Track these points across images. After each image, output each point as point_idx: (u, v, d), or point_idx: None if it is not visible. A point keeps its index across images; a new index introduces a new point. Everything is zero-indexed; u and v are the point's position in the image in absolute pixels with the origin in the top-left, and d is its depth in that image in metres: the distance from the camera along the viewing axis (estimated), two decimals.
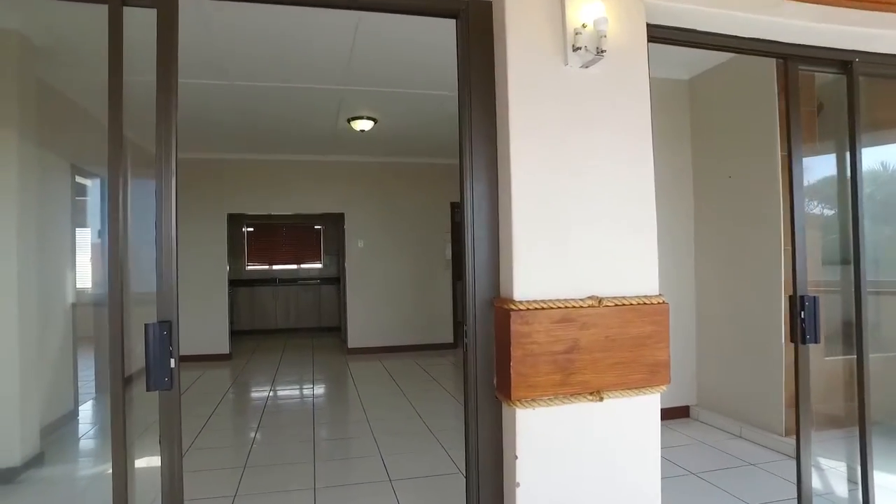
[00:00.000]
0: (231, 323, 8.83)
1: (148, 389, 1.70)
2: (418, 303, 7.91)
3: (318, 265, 10.77)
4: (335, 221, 10.42)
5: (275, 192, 7.51)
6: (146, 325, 1.69)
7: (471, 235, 1.99)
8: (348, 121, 5.77)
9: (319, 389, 5.87)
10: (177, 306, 1.76)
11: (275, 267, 10.63)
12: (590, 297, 1.91)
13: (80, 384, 4.69)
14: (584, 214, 1.94)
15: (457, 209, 8.09)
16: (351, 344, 7.69)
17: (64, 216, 4.45)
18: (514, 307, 1.83)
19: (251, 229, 10.52)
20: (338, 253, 10.43)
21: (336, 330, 10.17)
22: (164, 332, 1.71)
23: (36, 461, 3.46)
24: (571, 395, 1.88)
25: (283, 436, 4.24)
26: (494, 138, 2.00)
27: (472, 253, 1.99)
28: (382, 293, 7.78)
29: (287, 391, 5.79)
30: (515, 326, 1.81)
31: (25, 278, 3.42)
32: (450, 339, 8.01)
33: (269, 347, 8.53)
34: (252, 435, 4.31)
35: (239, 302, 9.87)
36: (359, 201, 7.75)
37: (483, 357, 1.98)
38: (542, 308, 1.85)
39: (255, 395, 5.64)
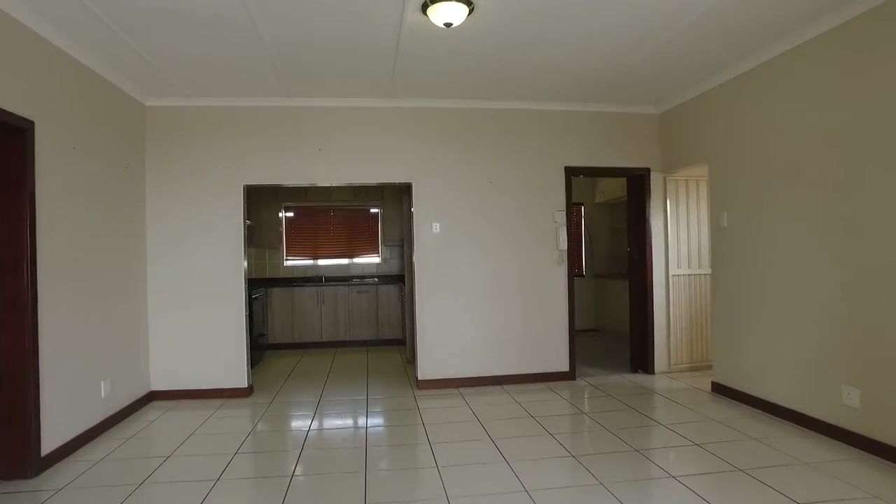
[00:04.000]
0: (259, 336, 6.61)
1: None
2: (518, 313, 5.40)
3: (376, 259, 8.44)
4: (397, 197, 8.03)
5: (311, 154, 5.16)
6: None
7: None
8: (423, 7, 3.32)
9: (375, 460, 3.46)
10: None
11: (320, 262, 8.38)
12: None
13: None
14: None
15: (575, 175, 5.50)
16: (423, 374, 5.26)
17: None
18: None
19: (290, 214, 8.30)
20: (402, 242, 8.05)
21: (398, 343, 7.80)
22: None
23: None
24: None
25: None
26: None
27: None
28: (466, 299, 5.32)
29: (322, 469, 3.41)
30: None
31: None
32: (564, 365, 5.46)
33: (308, 371, 6.23)
34: None
35: (273, 307, 7.66)
36: (433, 166, 5.31)
37: None
38: None
39: (267, 484, 3.28)
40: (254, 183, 5.12)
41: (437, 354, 5.28)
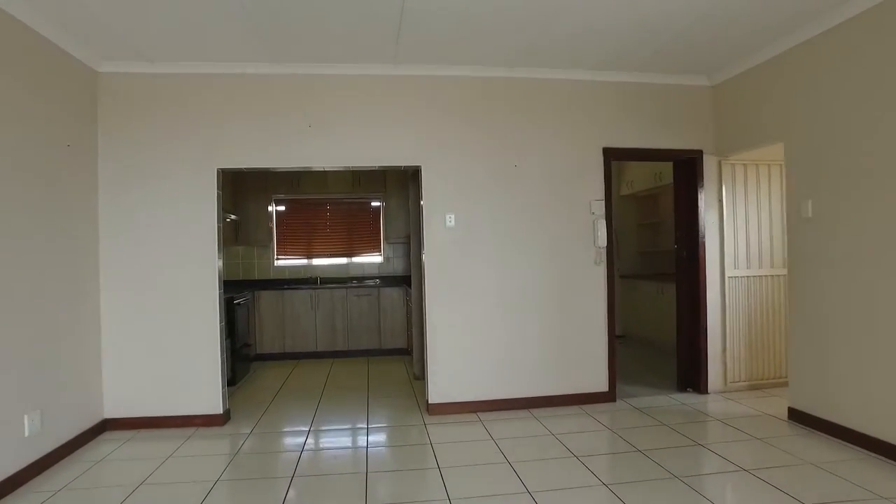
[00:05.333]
0: (244, 347, 5.73)
1: None
2: (548, 322, 4.52)
3: (377, 258, 7.56)
4: (401, 188, 7.15)
5: (300, 132, 4.28)
6: None
7: None
8: None
9: None
10: None
11: (315, 262, 7.49)
12: None
13: None
14: None
15: (616, 159, 4.62)
16: (434, 396, 4.38)
17: None
18: None
19: (281, 207, 7.42)
20: (407, 239, 7.17)
21: (403, 353, 6.93)
22: None
23: None
24: None
25: None
26: None
27: None
28: (485, 305, 4.44)
29: None
30: None
31: None
32: (602, 384, 4.58)
33: (299, 388, 5.35)
34: None
35: (262, 312, 6.78)
36: (446, 147, 4.42)
37: None
38: None
39: None
40: (230, 167, 4.24)
41: (451, 372, 4.39)
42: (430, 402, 4.37)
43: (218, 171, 4.21)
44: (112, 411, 4.07)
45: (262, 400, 4.92)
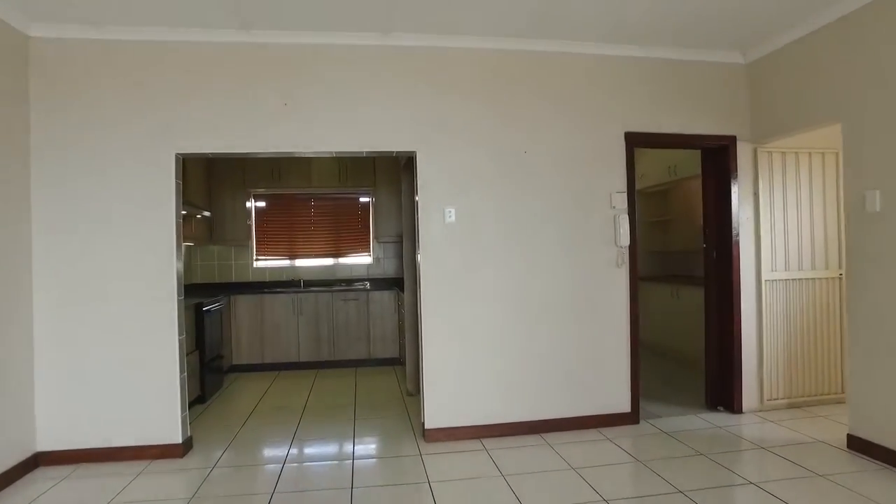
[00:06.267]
0: (216, 359, 5.07)
1: None
2: (563, 334, 3.92)
3: (367, 258, 6.92)
4: (392, 181, 6.52)
5: (274, 111, 3.64)
6: None
7: None
8: None
9: None
10: None
11: (298, 263, 6.84)
12: None
13: None
14: None
15: (639, 146, 4.03)
16: (432, 420, 3.76)
17: None
18: None
19: (261, 203, 6.76)
20: (399, 238, 6.54)
21: (394, 363, 6.30)
22: None
23: None
24: None
25: None
26: None
27: None
28: (490, 314, 3.83)
29: None
30: None
31: None
32: (624, 404, 3.99)
33: (276, 407, 4.71)
34: None
35: (239, 319, 6.13)
36: (445, 131, 3.80)
37: None
38: None
39: None
40: (192, 151, 3.59)
41: (450, 392, 3.78)
42: (426, 427, 3.75)
43: (177, 157, 3.57)
44: (46, 443, 3.41)
45: (232, 422, 4.27)
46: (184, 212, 4.96)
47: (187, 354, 4.43)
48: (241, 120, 3.60)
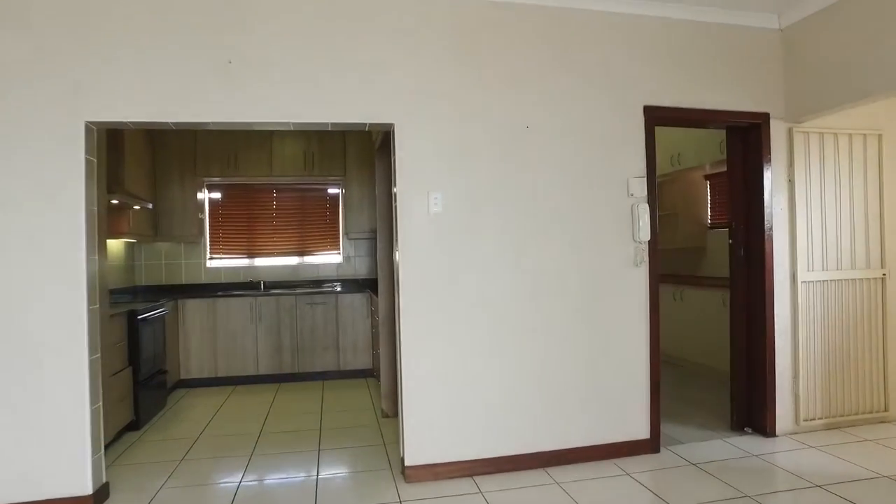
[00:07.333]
0: (157, 375, 4.25)
1: None
2: (572, 346, 3.25)
3: (336, 257, 6.17)
4: (365, 168, 5.79)
5: (214, 69, 2.88)
6: None
7: None
8: None
9: None
10: None
11: (258, 262, 6.05)
12: None
13: None
14: None
15: (658, 117, 3.37)
16: (412, 456, 3.05)
17: None
18: None
19: (216, 195, 5.96)
20: (373, 233, 5.80)
21: (367, 375, 5.58)
22: None
23: None
24: None
25: None
26: None
27: None
28: (485, 324, 3.13)
29: None
30: None
31: None
32: (642, 429, 3.34)
33: (226, 434, 3.94)
34: None
35: (188, 326, 5.33)
36: (431, 99, 3.09)
37: None
38: None
39: None
40: (107, 120, 2.81)
41: (435, 420, 3.08)
42: (406, 463, 3.04)
43: (88, 127, 2.78)
44: None
45: (167, 458, 3.49)
46: (115, 201, 4.18)
47: (115, 373, 3.63)
48: (172, 82, 2.83)
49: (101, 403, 2.84)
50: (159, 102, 2.82)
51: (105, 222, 3.45)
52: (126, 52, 2.78)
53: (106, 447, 3.35)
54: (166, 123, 2.89)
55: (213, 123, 2.94)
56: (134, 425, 3.99)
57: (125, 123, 2.84)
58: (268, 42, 2.92)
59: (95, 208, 2.86)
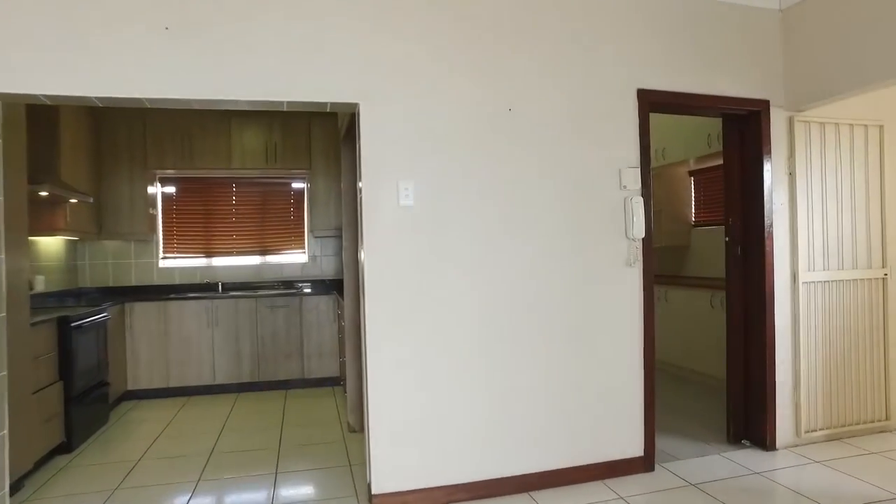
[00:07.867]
0: (98, 387, 3.76)
1: None
2: (558, 356, 2.92)
3: (301, 257, 5.75)
4: (333, 157, 5.40)
5: (149, 37, 2.46)
6: None
7: None
8: None
9: None
10: None
11: (216, 262, 5.60)
12: None
13: None
14: None
15: (652, 102, 3.07)
16: (380, 483, 2.67)
17: None
18: None
19: (169, 189, 5.49)
20: (339, 231, 5.40)
21: (333, 383, 5.18)
22: None
23: None
24: None
25: None
26: None
27: None
28: (461, 333, 2.78)
29: None
30: None
31: None
32: (635, 447, 3.03)
33: (172, 455, 3.51)
34: None
35: (137, 332, 4.86)
36: (401, 75, 2.72)
37: None
38: None
39: None
40: (13, 91, 2.36)
41: (408, 439, 2.71)
42: (373, 490, 2.67)
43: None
44: None
45: (99, 486, 3.05)
46: (45, 193, 3.70)
47: (39, 390, 3.17)
48: (99, 50, 2.41)
49: (6, 431, 2.39)
50: (80, 73, 2.39)
51: (26, 216, 3.01)
52: (42, 16, 2.35)
53: (25, 476, 2.91)
54: (89, 98, 2.46)
55: (148, 100, 2.52)
56: (65, 447, 3.53)
57: (36, 96, 2.40)
58: (212, 4, 2.51)
59: (2, 198, 2.42)
